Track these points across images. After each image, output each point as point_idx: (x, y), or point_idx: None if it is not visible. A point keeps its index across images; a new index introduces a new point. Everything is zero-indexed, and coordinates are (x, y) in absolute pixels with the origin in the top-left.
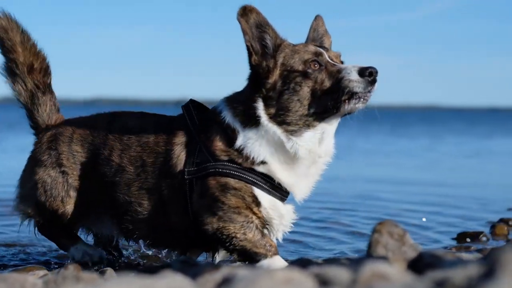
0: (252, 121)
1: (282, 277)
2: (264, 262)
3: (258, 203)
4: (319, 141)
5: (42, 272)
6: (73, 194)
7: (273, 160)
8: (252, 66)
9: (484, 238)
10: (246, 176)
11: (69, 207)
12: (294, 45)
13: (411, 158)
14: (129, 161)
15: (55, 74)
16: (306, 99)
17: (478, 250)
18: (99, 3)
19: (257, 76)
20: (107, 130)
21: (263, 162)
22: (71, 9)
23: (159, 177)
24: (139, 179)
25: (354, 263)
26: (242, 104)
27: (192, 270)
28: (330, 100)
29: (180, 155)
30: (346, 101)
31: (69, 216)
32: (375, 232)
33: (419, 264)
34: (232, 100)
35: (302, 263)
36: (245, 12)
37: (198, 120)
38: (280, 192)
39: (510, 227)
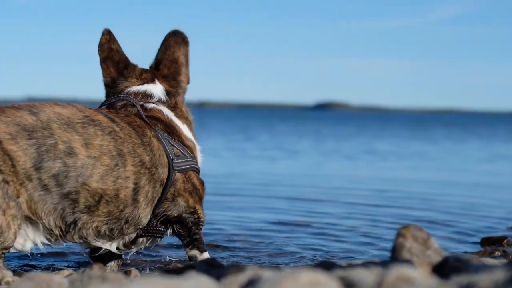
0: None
1: (307, 279)
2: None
3: None
4: None
5: (67, 271)
6: (14, 204)
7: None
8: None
9: (508, 243)
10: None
11: (10, 223)
12: None
13: (432, 161)
14: (100, 151)
15: None
16: None
17: (503, 255)
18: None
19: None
20: (40, 121)
21: None
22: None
23: (138, 166)
24: (117, 168)
25: (379, 267)
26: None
27: (216, 271)
28: None
29: (159, 146)
30: None
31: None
32: (399, 236)
33: (444, 269)
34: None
35: (326, 266)
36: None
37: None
38: None
39: None
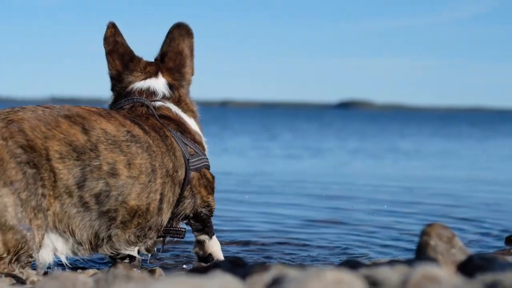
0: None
1: (332, 278)
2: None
3: None
4: None
5: (92, 271)
6: (42, 216)
7: None
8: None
9: None
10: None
11: (35, 232)
12: None
13: (457, 159)
14: (139, 170)
15: None
16: None
17: None
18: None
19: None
20: (89, 142)
21: None
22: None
23: (164, 177)
24: (150, 184)
25: (404, 265)
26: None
27: (241, 270)
28: None
29: (177, 148)
30: None
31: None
32: (424, 235)
33: (469, 267)
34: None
35: (350, 264)
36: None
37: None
38: None
39: None
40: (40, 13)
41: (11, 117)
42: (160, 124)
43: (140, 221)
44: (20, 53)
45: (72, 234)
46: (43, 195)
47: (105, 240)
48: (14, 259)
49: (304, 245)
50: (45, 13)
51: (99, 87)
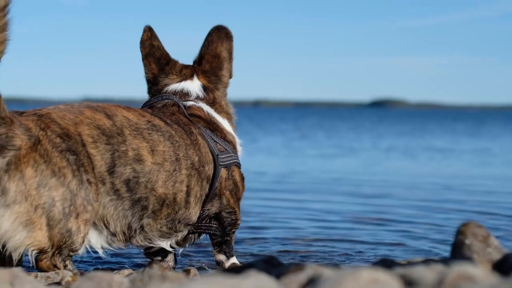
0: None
1: (368, 277)
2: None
3: None
4: None
5: (127, 271)
6: (91, 209)
7: None
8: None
9: None
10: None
11: (81, 227)
12: None
13: (493, 157)
14: (163, 157)
15: None
16: None
17: None
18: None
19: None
20: (115, 126)
21: None
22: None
23: (190, 169)
24: (175, 173)
25: (439, 264)
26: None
27: (275, 270)
28: None
29: (204, 144)
30: None
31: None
32: (459, 234)
33: (505, 266)
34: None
35: (386, 264)
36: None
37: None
38: None
39: None
40: (74, 13)
41: (39, 112)
42: (187, 121)
43: (169, 211)
44: (52, 53)
45: (107, 225)
46: (89, 182)
47: (137, 231)
48: (56, 252)
49: (347, 240)
50: (79, 13)
51: (133, 87)
